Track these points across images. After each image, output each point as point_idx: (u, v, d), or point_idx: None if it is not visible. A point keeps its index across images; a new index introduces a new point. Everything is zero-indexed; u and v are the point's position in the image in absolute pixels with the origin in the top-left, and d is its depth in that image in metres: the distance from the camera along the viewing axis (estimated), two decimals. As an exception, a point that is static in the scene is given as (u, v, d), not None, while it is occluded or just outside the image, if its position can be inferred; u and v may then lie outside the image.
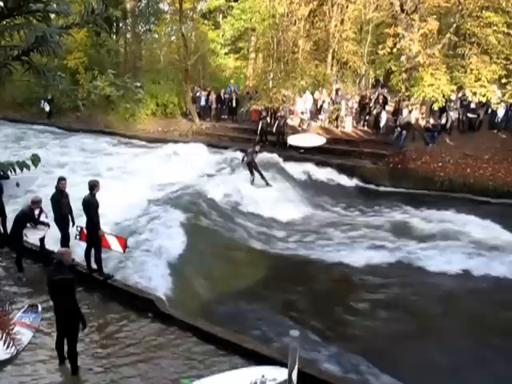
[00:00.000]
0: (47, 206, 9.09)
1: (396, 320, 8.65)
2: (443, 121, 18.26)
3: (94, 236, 8.40)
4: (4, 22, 2.93)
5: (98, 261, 8.54)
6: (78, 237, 8.90)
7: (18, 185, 10.27)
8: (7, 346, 2.94)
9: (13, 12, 2.87)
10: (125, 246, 8.58)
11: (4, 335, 2.92)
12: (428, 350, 7.54)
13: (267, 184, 15.87)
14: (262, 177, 15.94)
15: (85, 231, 8.75)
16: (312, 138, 18.79)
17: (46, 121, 27.85)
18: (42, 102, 27.34)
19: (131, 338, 7.08)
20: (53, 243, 9.07)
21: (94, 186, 8.21)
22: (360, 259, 11.01)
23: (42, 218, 9.07)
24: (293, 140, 18.84)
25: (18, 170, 2.99)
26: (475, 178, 15.88)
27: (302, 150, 18.55)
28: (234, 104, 24.01)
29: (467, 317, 8.72)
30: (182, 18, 25.60)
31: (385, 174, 17.26)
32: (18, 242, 8.86)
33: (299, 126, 19.94)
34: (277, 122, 19.91)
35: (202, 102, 24.84)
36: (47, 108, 27.82)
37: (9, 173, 3.09)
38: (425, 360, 7.33)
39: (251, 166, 15.97)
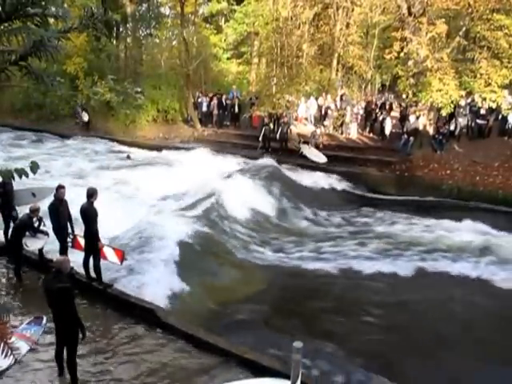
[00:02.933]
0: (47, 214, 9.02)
1: (401, 330, 8.63)
2: (452, 127, 17.89)
3: (92, 245, 8.29)
4: (1, 27, 2.89)
5: (97, 269, 8.46)
6: (70, 244, 8.88)
7: (34, 195, 10.38)
8: (5, 355, 2.85)
9: (10, 16, 2.85)
10: (122, 259, 8.56)
11: (2, 344, 2.84)
12: (435, 363, 7.48)
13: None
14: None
15: (78, 239, 8.77)
16: (316, 154, 18.50)
17: (78, 131, 26.30)
18: (79, 110, 25.56)
19: (131, 348, 7.01)
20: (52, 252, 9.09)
21: (92, 194, 8.10)
22: (364, 268, 11.04)
23: (41, 227, 9.02)
24: (305, 149, 18.58)
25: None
26: (484, 186, 15.61)
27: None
28: (236, 110, 23.69)
29: (474, 329, 8.59)
30: (184, 22, 25.59)
31: (391, 182, 17.03)
32: (17, 251, 8.81)
33: (311, 137, 19.44)
34: (280, 129, 19.51)
35: (204, 108, 24.58)
36: (86, 118, 26.02)
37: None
38: (432, 373, 7.29)
39: None
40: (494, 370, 7.44)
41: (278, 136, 19.68)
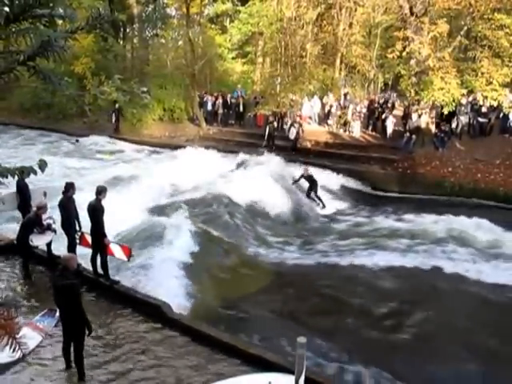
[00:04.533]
0: (54, 211, 9.14)
1: (406, 326, 8.68)
2: (453, 125, 18.03)
3: (99, 241, 8.37)
4: (10, 28, 2.89)
5: (104, 266, 8.52)
6: (78, 242, 8.97)
7: (45, 194, 10.43)
8: (13, 350, 2.86)
9: (18, 17, 2.83)
10: (129, 255, 8.59)
11: (10, 339, 2.85)
12: (438, 359, 7.50)
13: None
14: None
15: (86, 236, 8.82)
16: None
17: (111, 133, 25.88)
18: (111, 112, 25.24)
19: (138, 344, 7.05)
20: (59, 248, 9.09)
21: (100, 192, 8.20)
22: (367, 264, 11.09)
23: (49, 222, 9.08)
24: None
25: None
26: (486, 184, 15.71)
27: None
28: (241, 109, 23.92)
29: (479, 325, 8.61)
30: (189, 22, 25.70)
31: (394, 180, 17.13)
32: (25, 248, 8.86)
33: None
34: (293, 129, 19.47)
35: (209, 107, 24.80)
36: (113, 119, 25.79)
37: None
38: (434, 368, 7.36)
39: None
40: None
41: (291, 136, 19.54)
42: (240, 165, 18.43)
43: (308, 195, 16.09)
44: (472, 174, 16.14)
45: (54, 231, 9.09)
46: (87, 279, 8.49)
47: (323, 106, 22.06)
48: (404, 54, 17.96)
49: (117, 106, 23.71)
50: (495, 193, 15.27)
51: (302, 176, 16.10)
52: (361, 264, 11.07)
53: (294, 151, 19.59)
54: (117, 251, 8.58)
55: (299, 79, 21.09)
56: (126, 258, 8.62)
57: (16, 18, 2.82)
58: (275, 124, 20.91)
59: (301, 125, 19.97)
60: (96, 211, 8.14)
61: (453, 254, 11.64)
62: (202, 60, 25.44)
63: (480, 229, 12.91)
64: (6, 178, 3.07)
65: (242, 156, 19.18)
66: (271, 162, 17.82)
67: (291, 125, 19.94)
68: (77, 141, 24.09)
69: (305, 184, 16.38)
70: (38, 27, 2.95)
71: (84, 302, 5.96)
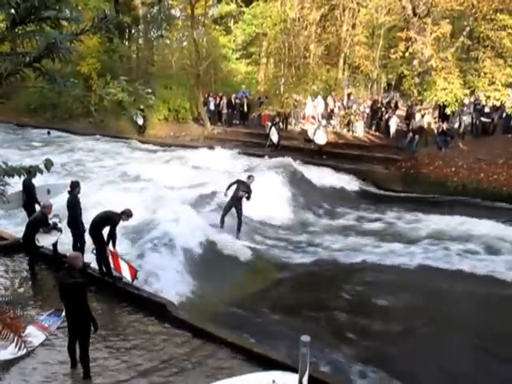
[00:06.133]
0: (59, 210, 9.24)
1: (407, 325, 8.61)
2: (456, 125, 18.08)
3: (101, 244, 8.54)
4: (16, 30, 2.97)
5: (107, 264, 8.62)
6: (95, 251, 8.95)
7: (48, 192, 10.44)
8: (18, 348, 3.02)
9: (25, 19, 2.92)
10: (134, 277, 8.48)
11: (15, 337, 2.98)
12: (439, 358, 7.45)
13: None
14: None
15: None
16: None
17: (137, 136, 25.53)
18: (136, 114, 24.67)
19: (142, 343, 7.08)
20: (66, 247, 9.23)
21: (125, 212, 8.46)
22: (371, 263, 11.01)
23: (55, 221, 9.14)
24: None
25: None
26: (489, 183, 15.68)
27: None
28: (245, 109, 24.05)
29: (481, 324, 8.51)
30: (194, 23, 25.80)
31: (397, 179, 17.16)
32: (31, 247, 8.89)
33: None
34: (321, 132, 19.02)
35: (212, 107, 24.97)
36: (140, 121, 24.97)
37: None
38: (435, 368, 7.26)
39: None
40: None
41: (318, 140, 18.99)
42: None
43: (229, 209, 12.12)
44: (475, 173, 16.12)
45: (60, 230, 9.12)
46: (93, 278, 8.53)
47: (326, 106, 22.15)
48: (407, 54, 18.06)
49: (141, 106, 23.33)
50: (498, 192, 15.25)
51: (242, 183, 12.14)
52: (365, 263, 11.04)
53: (323, 155, 19.33)
54: (124, 269, 8.55)
55: (303, 79, 21.23)
56: (129, 279, 8.48)
57: (22, 21, 2.92)
58: (280, 124, 21.02)
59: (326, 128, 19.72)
60: (111, 221, 8.36)
61: (454, 252, 11.60)
62: (206, 61, 25.54)
63: (482, 228, 12.88)
64: (13, 177, 3.16)
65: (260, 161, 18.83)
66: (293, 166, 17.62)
67: (316, 129, 19.25)
68: (48, 133, 26.16)
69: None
70: (44, 29, 3.02)
71: (89, 300, 6.04)
